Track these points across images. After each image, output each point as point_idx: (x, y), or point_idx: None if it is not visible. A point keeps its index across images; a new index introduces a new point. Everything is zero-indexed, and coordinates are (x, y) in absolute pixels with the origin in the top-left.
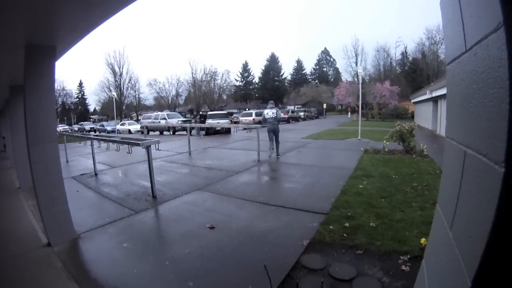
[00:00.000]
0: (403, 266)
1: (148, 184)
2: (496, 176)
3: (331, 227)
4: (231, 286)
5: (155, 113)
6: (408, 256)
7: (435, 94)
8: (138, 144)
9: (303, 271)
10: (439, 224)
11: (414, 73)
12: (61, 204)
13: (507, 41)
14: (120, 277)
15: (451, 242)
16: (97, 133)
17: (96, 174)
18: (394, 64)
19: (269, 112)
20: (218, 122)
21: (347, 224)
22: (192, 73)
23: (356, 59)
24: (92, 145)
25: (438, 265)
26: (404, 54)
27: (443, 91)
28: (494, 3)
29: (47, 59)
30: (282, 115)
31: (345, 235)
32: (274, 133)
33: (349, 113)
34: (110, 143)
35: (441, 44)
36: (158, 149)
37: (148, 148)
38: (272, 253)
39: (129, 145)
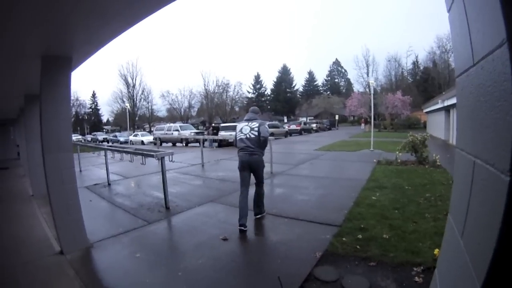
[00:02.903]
0: (416, 277)
1: (161, 195)
2: (502, 185)
3: (344, 239)
4: None
5: (168, 125)
6: (422, 267)
7: (447, 103)
8: (152, 156)
9: (316, 283)
10: (451, 233)
11: (426, 82)
12: (75, 213)
13: (511, 56)
14: (133, 287)
15: (462, 249)
16: (110, 143)
17: (109, 184)
18: (406, 74)
19: (245, 128)
20: (231, 134)
21: (360, 236)
22: (205, 85)
23: (367, 70)
24: (106, 155)
25: (449, 272)
26: (415, 63)
27: (454, 100)
28: (498, 20)
29: (63, 69)
30: (267, 132)
31: (358, 247)
32: (251, 170)
33: (363, 125)
34: (124, 154)
35: (452, 52)
36: (172, 160)
37: (162, 159)
38: (285, 265)
39: (143, 156)
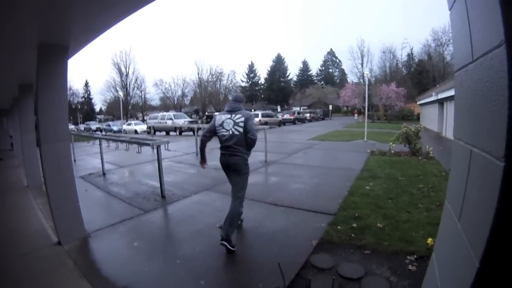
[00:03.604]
0: (410, 265)
1: (157, 184)
2: (497, 170)
3: (339, 227)
4: (241, 284)
5: (162, 113)
6: (415, 256)
7: (441, 96)
8: (148, 144)
9: (313, 270)
10: (448, 218)
11: (420, 74)
12: (72, 202)
13: (508, 56)
14: (132, 275)
15: (459, 232)
16: (104, 133)
17: (104, 174)
18: (400, 66)
19: (227, 122)
20: None
21: (354, 225)
22: (198, 73)
23: (362, 60)
24: (100, 144)
25: (447, 254)
26: (410, 55)
27: (448, 93)
28: (498, 23)
29: (60, 58)
30: (256, 130)
31: (353, 235)
32: (235, 174)
33: (356, 115)
34: (119, 143)
35: (447, 46)
36: (167, 149)
37: (158, 148)
38: (281, 252)
39: (139, 145)
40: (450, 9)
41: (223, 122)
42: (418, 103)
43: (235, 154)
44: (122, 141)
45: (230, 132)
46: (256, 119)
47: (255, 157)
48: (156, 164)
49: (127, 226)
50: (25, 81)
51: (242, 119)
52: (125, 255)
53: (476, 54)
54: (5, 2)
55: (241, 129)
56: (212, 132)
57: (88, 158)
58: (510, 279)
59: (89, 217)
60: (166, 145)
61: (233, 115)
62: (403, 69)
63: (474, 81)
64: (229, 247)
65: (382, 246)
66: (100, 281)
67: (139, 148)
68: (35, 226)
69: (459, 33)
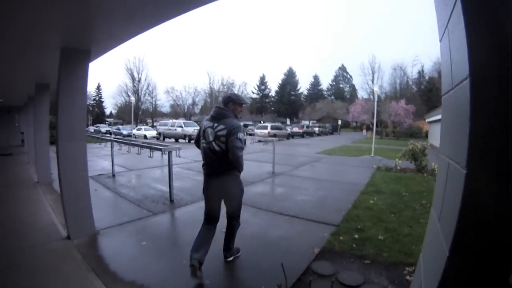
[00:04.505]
0: (408, 276)
1: (165, 189)
2: (461, 176)
3: (341, 237)
4: (245, 286)
5: (172, 121)
6: (413, 267)
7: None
8: (160, 149)
9: (313, 276)
10: (432, 221)
11: (430, 92)
12: (84, 200)
13: (470, 88)
14: (139, 272)
15: (438, 230)
16: (113, 136)
17: (113, 175)
18: (411, 83)
19: (208, 132)
20: None
21: (356, 236)
22: (210, 83)
23: (373, 77)
24: (112, 147)
25: (430, 251)
26: (420, 73)
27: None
28: (465, 60)
29: (81, 62)
30: (241, 147)
31: (354, 245)
32: (224, 196)
33: (364, 131)
34: (131, 147)
35: None
36: (178, 155)
37: (169, 153)
38: (284, 258)
39: (151, 150)
40: (440, 41)
41: (204, 131)
42: (427, 120)
43: (222, 172)
44: (134, 145)
45: (211, 146)
46: (265, 131)
47: (262, 168)
48: (165, 170)
49: (136, 226)
50: (42, 81)
51: (224, 131)
52: (133, 253)
53: (454, 83)
54: (34, 7)
55: (223, 146)
56: (199, 141)
57: (97, 159)
58: (471, 264)
59: (98, 216)
60: (177, 151)
61: (215, 125)
62: (413, 86)
63: (453, 105)
64: (236, 255)
65: (382, 257)
66: (108, 275)
67: (151, 152)
68: (45, 221)
69: (445, 62)
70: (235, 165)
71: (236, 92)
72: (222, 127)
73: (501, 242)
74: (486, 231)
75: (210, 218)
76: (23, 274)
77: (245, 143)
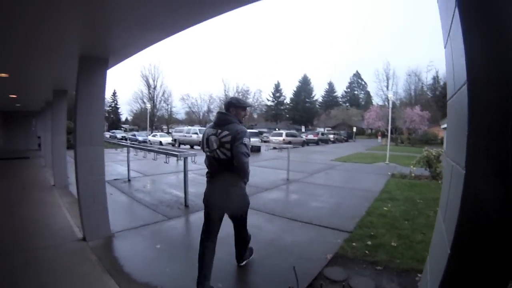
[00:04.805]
0: (419, 283)
1: (180, 194)
2: (461, 177)
3: (354, 244)
4: None
5: (187, 127)
6: None
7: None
8: (175, 155)
9: (325, 282)
10: (438, 222)
11: (445, 98)
12: (101, 202)
13: (468, 93)
14: (153, 274)
15: (443, 230)
16: (129, 142)
17: (129, 180)
18: (425, 89)
19: (212, 139)
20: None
21: (369, 242)
22: (225, 90)
23: (387, 83)
24: (128, 152)
25: (436, 250)
26: (435, 78)
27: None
28: (464, 66)
29: (99, 69)
30: (246, 153)
31: (367, 252)
32: (224, 211)
33: (379, 138)
34: (147, 152)
35: None
36: (194, 161)
37: (185, 159)
38: (297, 263)
39: (166, 156)
40: (444, 47)
41: (208, 139)
42: (442, 127)
43: (225, 183)
44: (150, 151)
45: (215, 155)
46: (280, 138)
47: (277, 174)
48: (180, 175)
49: (150, 230)
50: (60, 87)
51: (229, 138)
52: (147, 255)
53: (456, 88)
54: (54, 17)
55: (228, 153)
56: (203, 146)
57: (113, 164)
58: (472, 261)
59: (114, 219)
60: (193, 157)
61: (219, 131)
62: (428, 92)
63: (456, 109)
64: (249, 259)
65: (394, 263)
66: (123, 276)
67: (167, 158)
68: (61, 223)
69: (449, 68)
70: (241, 173)
71: (237, 96)
72: (226, 133)
73: (500, 241)
74: (485, 230)
75: (209, 232)
76: (39, 272)
77: (249, 149)
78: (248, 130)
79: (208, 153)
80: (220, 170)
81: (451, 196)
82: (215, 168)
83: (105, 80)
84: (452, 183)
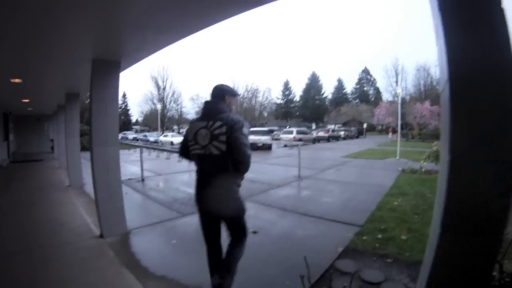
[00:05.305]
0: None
1: (194, 192)
2: (447, 162)
3: (364, 237)
4: (270, 281)
5: None
6: None
7: None
8: None
9: (336, 273)
10: (435, 208)
11: None
12: (117, 200)
13: (449, 89)
14: (170, 267)
15: (437, 214)
16: (141, 142)
17: (143, 180)
18: (435, 83)
19: (201, 133)
20: (259, 139)
21: (379, 236)
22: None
23: (397, 79)
24: (141, 152)
25: (432, 232)
26: None
27: None
28: (446, 65)
29: (112, 72)
30: (246, 140)
31: (377, 245)
32: (219, 216)
33: (390, 134)
34: (159, 152)
35: None
36: None
37: None
38: (309, 256)
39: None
40: (436, 45)
41: (196, 134)
42: None
43: (217, 185)
44: (163, 150)
45: (206, 151)
46: (291, 136)
47: (288, 171)
48: (193, 174)
49: (165, 227)
50: (73, 90)
51: (223, 129)
52: (163, 250)
53: (443, 82)
54: (67, 23)
55: (223, 146)
56: (186, 149)
57: (126, 165)
58: (459, 239)
59: (130, 216)
60: None
61: (210, 123)
62: (437, 87)
63: (444, 103)
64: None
65: (404, 256)
66: (140, 270)
67: (180, 157)
68: (78, 221)
69: (440, 65)
70: (243, 167)
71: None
72: (219, 124)
73: (484, 221)
74: (469, 211)
75: (209, 239)
76: (59, 267)
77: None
78: (259, 128)
79: (198, 151)
80: (212, 169)
81: (441, 180)
82: (208, 166)
83: (118, 82)
84: (442, 169)
